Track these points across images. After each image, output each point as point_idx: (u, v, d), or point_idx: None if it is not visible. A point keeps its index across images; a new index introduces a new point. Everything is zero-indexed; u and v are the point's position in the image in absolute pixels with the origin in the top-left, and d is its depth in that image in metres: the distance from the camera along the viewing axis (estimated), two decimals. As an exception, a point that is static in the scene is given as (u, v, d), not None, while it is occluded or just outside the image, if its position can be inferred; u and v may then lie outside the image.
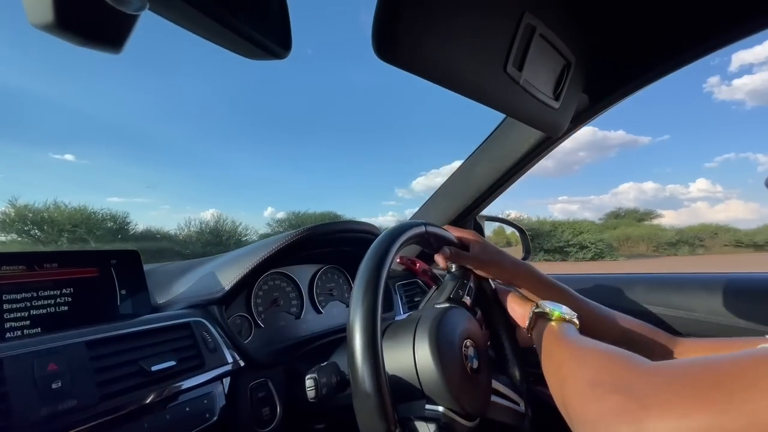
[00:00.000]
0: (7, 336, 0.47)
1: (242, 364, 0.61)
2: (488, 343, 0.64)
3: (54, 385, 0.40)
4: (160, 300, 0.67)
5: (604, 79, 0.68)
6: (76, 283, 0.54)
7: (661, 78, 0.65)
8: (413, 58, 0.39)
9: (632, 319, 0.58)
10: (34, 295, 0.50)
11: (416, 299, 1.03)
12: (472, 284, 0.66)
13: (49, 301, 0.51)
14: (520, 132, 0.81)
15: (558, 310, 0.51)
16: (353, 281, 0.95)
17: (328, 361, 0.60)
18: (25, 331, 0.49)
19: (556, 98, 0.60)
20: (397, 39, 0.37)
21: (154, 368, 0.49)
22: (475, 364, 0.58)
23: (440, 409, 0.48)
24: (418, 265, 0.80)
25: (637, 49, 0.64)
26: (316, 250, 0.85)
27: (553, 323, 0.50)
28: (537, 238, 19.69)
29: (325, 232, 0.75)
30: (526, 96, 0.54)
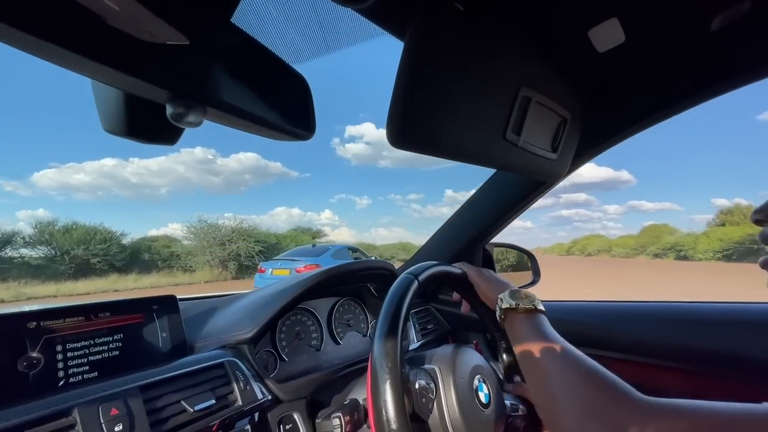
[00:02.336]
0: (71, 381, 0.54)
1: (270, 398, 0.66)
2: (501, 382, 0.69)
3: (117, 428, 0.47)
4: (194, 338, 0.73)
5: (600, 126, 0.73)
6: (125, 330, 0.61)
7: (654, 124, 0.70)
8: (424, 141, 0.45)
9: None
10: (92, 342, 0.57)
11: (429, 327, 1.07)
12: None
13: (103, 347, 0.58)
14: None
15: (522, 302, 0.52)
16: (368, 312, 1.01)
17: (348, 396, 0.66)
18: (84, 376, 0.55)
19: (554, 150, 0.66)
20: (411, 128, 0.43)
21: (196, 407, 0.55)
22: (484, 398, 0.63)
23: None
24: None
25: (627, 100, 0.69)
26: (334, 287, 0.90)
27: (521, 315, 0.52)
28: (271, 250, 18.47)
29: (344, 272, 0.81)
30: (525, 154, 0.59)
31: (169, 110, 0.35)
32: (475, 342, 0.79)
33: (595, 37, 0.53)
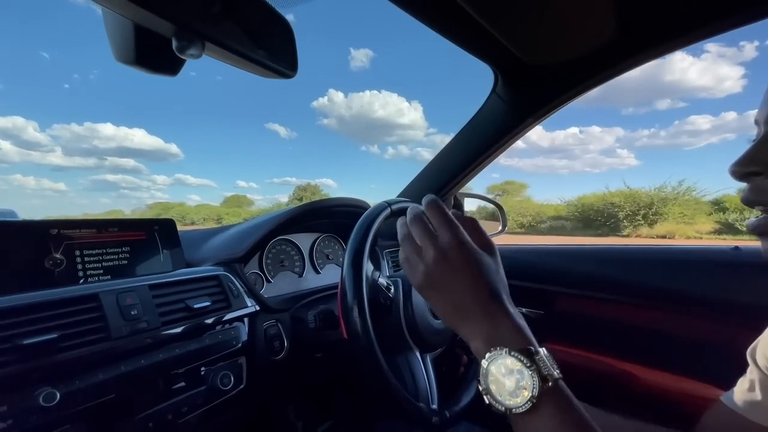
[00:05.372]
0: (89, 280, 0.64)
1: (258, 308, 0.78)
2: None
3: (132, 312, 0.58)
4: (191, 258, 0.83)
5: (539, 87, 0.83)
6: (131, 243, 0.71)
7: (592, 88, 0.80)
8: None
9: None
10: (104, 251, 0.67)
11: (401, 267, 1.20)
12: None
13: (114, 256, 0.68)
14: (490, 123, 0.96)
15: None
16: (346, 247, 1.13)
17: (325, 306, 0.79)
18: (100, 277, 0.65)
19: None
20: None
21: (195, 306, 0.66)
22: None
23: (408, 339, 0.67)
24: None
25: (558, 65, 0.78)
26: (315, 221, 1.01)
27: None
28: None
29: (322, 206, 0.91)
30: None
31: (174, 43, 0.42)
32: None
33: None
